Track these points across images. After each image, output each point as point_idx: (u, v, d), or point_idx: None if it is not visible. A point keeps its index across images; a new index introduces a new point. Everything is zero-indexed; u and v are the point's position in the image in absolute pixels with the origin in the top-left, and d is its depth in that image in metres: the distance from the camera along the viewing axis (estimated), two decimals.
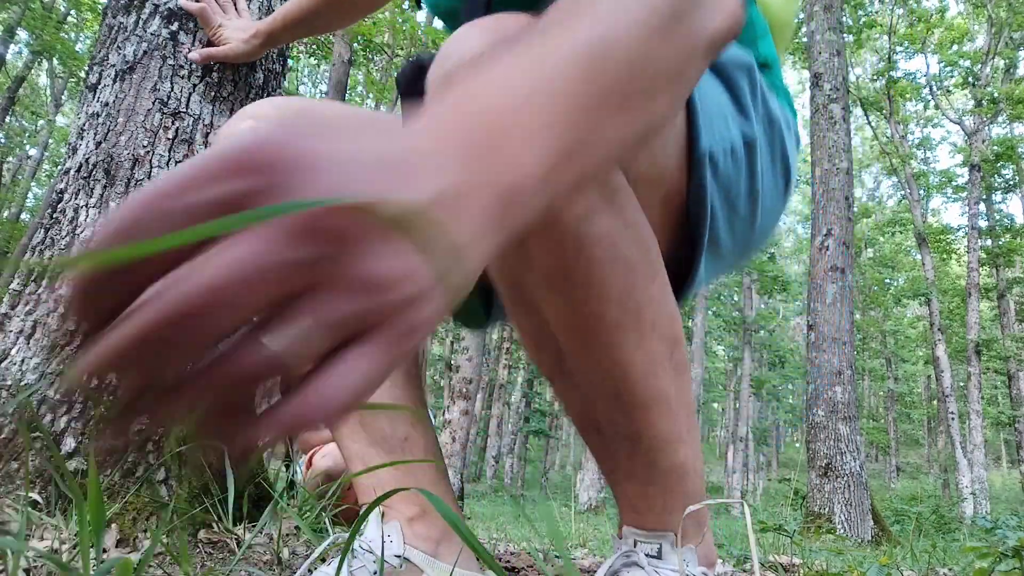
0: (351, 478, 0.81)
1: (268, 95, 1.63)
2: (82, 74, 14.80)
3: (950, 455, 16.97)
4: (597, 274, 0.59)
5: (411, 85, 0.79)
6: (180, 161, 1.42)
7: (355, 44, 11.28)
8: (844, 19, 7.64)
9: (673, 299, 0.67)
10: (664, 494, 0.70)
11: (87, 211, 1.35)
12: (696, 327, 16.56)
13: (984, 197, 18.21)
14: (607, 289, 0.60)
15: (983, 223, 18.17)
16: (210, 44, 1.49)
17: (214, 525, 1.16)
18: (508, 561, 1.44)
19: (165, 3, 1.49)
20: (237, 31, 1.41)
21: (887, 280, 25.83)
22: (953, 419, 15.54)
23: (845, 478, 5.37)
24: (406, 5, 12.29)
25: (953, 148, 21.00)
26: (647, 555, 0.69)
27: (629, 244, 0.61)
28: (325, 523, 1.25)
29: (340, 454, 1.89)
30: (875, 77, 19.49)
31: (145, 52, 1.45)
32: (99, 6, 13.03)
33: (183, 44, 1.48)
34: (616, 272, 0.60)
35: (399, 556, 0.77)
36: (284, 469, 1.75)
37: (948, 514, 8.39)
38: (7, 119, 15.69)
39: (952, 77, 18.09)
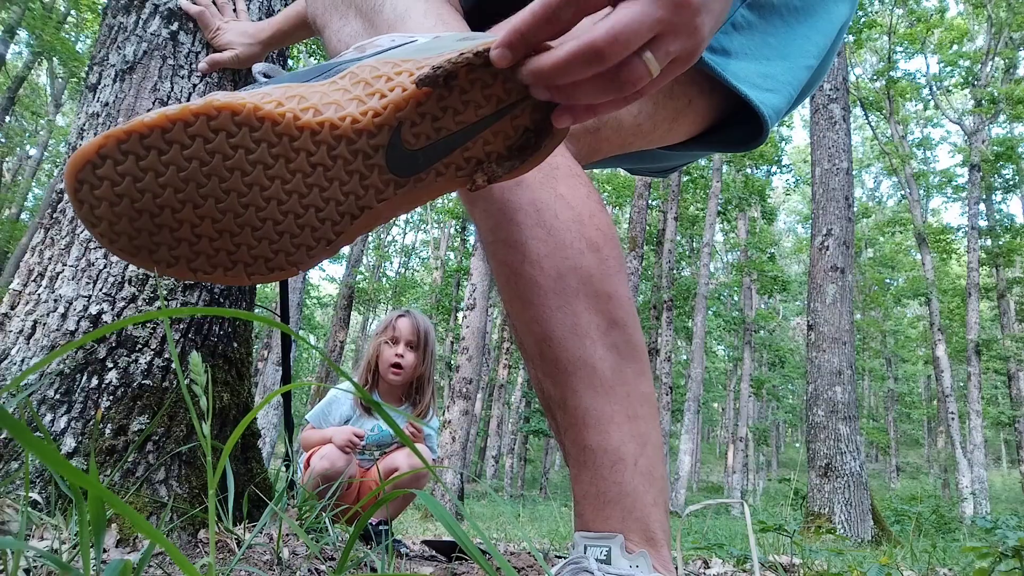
0: None
1: None
2: (82, 74, 14.80)
3: (950, 455, 16.96)
4: (517, 236, 0.68)
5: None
6: None
7: None
8: None
9: (616, 281, 0.70)
10: (596, 481, 0.68)
11: None
12: (696, 327, 16.58)
13: (984, 197, 18.21)
14: (529, 252, 0.68)
15: (983, 223, 18.17)
16: (209, 47, 1.49)
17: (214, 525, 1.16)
18: (508, 561, 1.45)
19: (165, 3, 1.49)
20: (238, 35, 1.40)
21: (887, 280, 25.83)
22: (953, 419, 15.54)
23: (845, 478, 5.37)
24: None
25: (953, 148, 21.00)
26: (597, 559, 0.66)
27: (555, 215, 0.68)
28: (325, 523, 1.25)
29: (336, 456, 1.90)
30: (875, 77, 19.49)
31: (145, 52, 1.45)
32: (99, 6, 13.04)
33: (183, 44, 1.48)
34: (537, 237, 0.67)
35: None
36: (284, 469, 1.75)
37: (948, 514, 8.39)
38: (7, 119, 15.68)
39: (952, 77, 18.09)
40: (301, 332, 26.12)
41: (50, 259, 1.33)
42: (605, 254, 0.71)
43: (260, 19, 1.60)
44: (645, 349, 0.74)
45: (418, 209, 30.08)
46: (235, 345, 1.49)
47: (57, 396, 1.19)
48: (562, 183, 0.70)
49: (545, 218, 0.68)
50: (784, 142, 25.41)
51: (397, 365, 2.09)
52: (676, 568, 0.63)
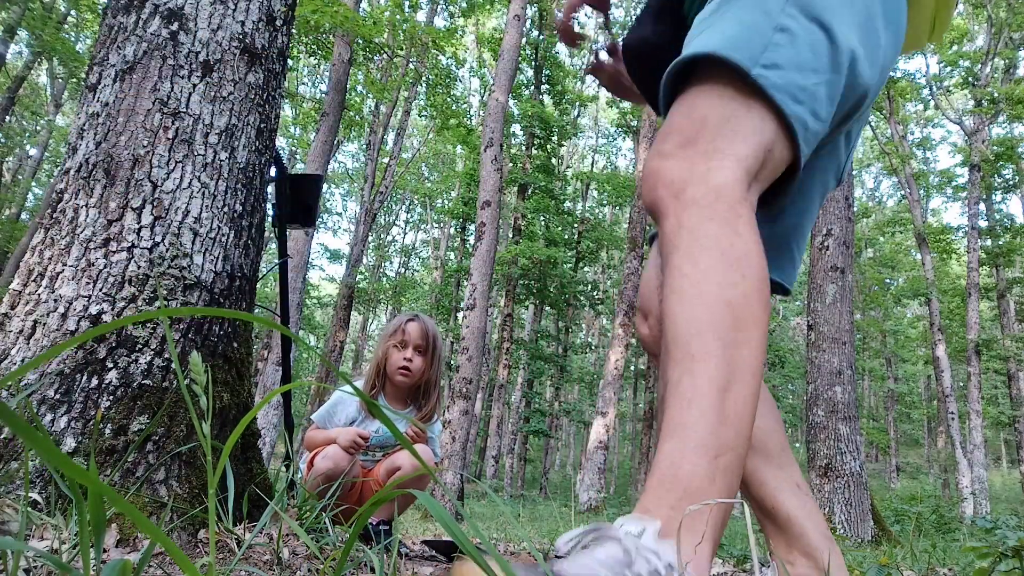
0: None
1: (268, 95, 1.63)
2: (82, 74, 14.78)
3: (950, 455, 16.96)
4: (675, 258, 0.76)
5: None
6: (180, 161, 1.42)
7: (355, 44, 11.27)
8: None
9: (743, 291, 0.74)
10: (660, 460, 0.69)
11: (87, 211, 1.35)
12: None
13: (984, 197, 18.20)
14: (683, 267, 0.75)
15: (983, 223, 18.16)
16: (208, 48, 1.49)
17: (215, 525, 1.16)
18: (508, 561, 1.44)
19: (165, 3, 1.49)
20: None
21: (887, 280, 25.83)
22: (953, 419, 15.53)
23: (845, 478, 5.37)
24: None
25: (953, 148, 20.98)
26: (628, 532, 0.63)
27: (703, 249, 0.75)
28: (325, 523, 1.25)
29: (340, 456, 1.89)
30: None
31: (145, 52, 1.45)
32: (99, 6, 13.03)
33: (183, 44, 1.48)
34: (688, 261, 0.75)
35: None
36: (284, 469, 1.75)
37: (948, 514, 8.39)
38: (7, 119, 15.68)
39: (952, 77, 18.08)
40: (301, 332, 26.10)
41: (50, 259, 1.33)
42: (746, 270, 0.78)
43: (260, 19, 1.60)
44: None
45: (418, 209, 29.80)
46: (235, 345, 1.49)
47: (57, 396, 1.19)
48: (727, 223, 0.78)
49: (695, 252, 0.78)
50: None
51: (405, 369, 2.09)
52: (679, 568, 0.63)
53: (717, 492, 0.67)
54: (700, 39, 0.85)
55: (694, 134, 0.80)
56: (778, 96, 0.80)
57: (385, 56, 14.32)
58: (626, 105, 19.59)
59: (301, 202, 1.83)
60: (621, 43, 1.20)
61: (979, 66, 17.08)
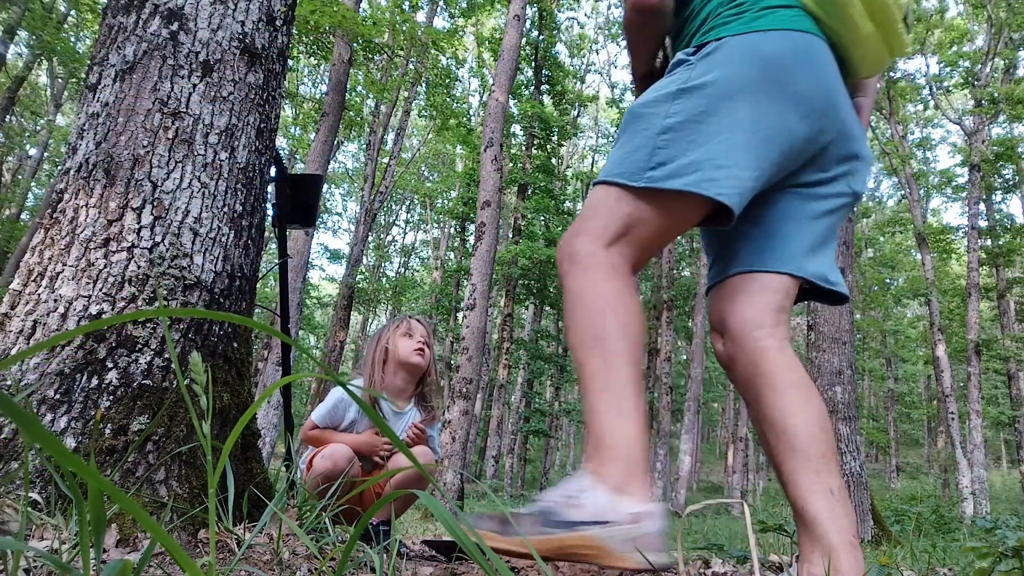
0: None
1: (268, 95, 1.63)
2: (82, 74, 14.78)
3: (950, 455, 16.96)
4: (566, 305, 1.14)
5: None
6: (180, 161, 1.42)
7: (355, 44, 11.28)
8: None
9: (602, 319, 1.09)
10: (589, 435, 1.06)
11: (87, 211, 1.35)
12: (696, 327, 16.57)
13: (984, 197, 18.20)
14: (572, 317, 1.12)
15: (983, 223, 18.16)
16: (207, 48, 1.49)
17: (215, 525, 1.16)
18: (508, 561, 1.44)
19: (165, 3, 1.49)
20: None
21: (887, 280, 25.82)
22: (953, 419, 15.53)
23: (845, 478, 5.37)
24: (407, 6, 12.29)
25: (953, 148, 20.98)
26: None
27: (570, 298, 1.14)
28: (325, 523, 1.25)
29: (339, 455, 1.89)
30: None
31: (145, 52, 1.45)
32: (99, 6, 13.02)
33: (183, 44, 1.48)
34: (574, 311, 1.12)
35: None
36: (284, 469, 1.74)
37: (948, 514, 8.39)
38: (7, 119, 15.67)
39: (952, 77, 18.08)
40: (301, 332, 26.06)
41: (50, 259, 1.33)
42: (611, 310, 1.15)
43: (260, 19, 1.60)
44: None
45: (418, 209, 29.79)
46: (235, 345, 1.49)
47: (57, 396, 1.19)
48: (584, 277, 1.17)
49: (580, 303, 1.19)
50: None
51: (420, 350, 2.10)
52: (676, 568, 0.63)
53: (623, 448, 1.02)
54: (606, 163, 1.20)
55: (579, 218, 1.20)
56: (665, 184, 1.10)
57: (385, 56, 14.32)
58: (627, 105, 19.59)
59: (301, 202, 1.83)
60: None
61: (979, 66, 17.08)
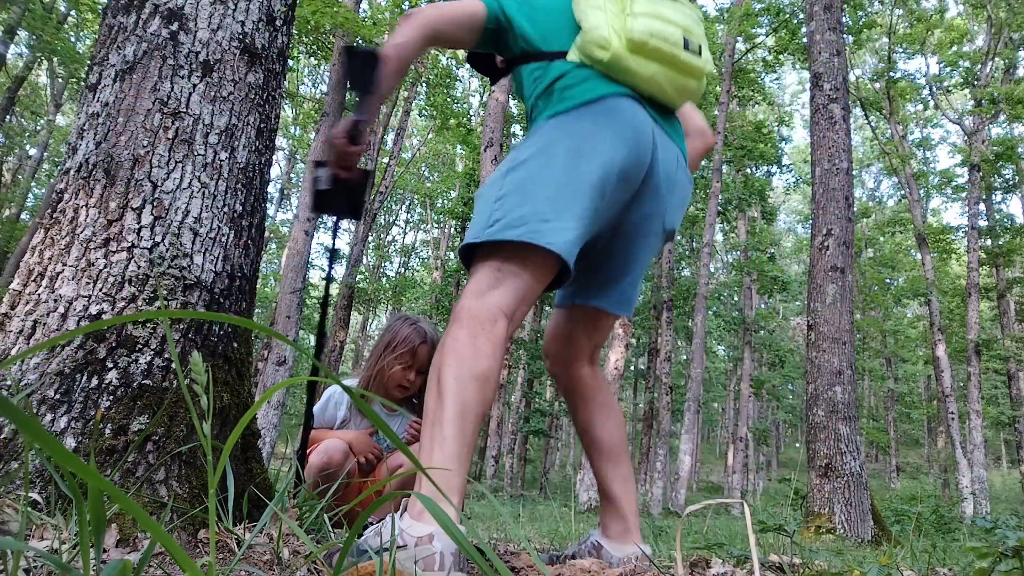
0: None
1: (268, 95, 1.63)
2: (82, 74, 14.78)
3: (950, 455, 16.96)
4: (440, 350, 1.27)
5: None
6: (180, 161, 1.42)
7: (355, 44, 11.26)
8: (844, 19, 7.64)
9: (455, 370, 1.23)
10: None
11: (87, 211, 1.35)
12: (696, 327, 16.57)
13: (984, 197, 18.20)
14: (440, 361, 1.25)
15: (983, 223, 18.16)
16: (208, 47, 1.49)
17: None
18: (508, 561, 1.44)
19: (165, 3, 1.49)
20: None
21: (887, 280, 25.82)
22: (953, 419, 15.53)
23: (845, 478, 5.37)
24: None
25: (953, 148, 20.97)
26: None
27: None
28: (325, 523, 1.25)
29: (334, 449, 1.90)
30: (875, 78, 19.49)
31: (145, 52, 1.45)
32: (99, 6, 13.03)
33: (183, 44, 1.48)
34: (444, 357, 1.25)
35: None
36: (295, 464, 1.74)
37: (948, 514, 8.38)
38: (7, 119, 15.67)
39: (952, 77, 18.07)
40: (301, 332, 26.02)
41: (50, 259, 1.33)
42: (457, 365, 1.26)
43: (260, 19, 1.60)
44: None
45: (418, 209, 29.74)
46: (235, 345, 1.49)
47: (57, 396, 1.19)
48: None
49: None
50: (784, 142, 25.40)
51: (405, 388, 2.08)
52: (676, 568, 0.63)
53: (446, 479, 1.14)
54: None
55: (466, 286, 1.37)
56: (500, 235, 1.29)
57: None
58: None
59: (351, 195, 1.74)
60: None
61: (979, 66, 17.08)
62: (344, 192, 1.62)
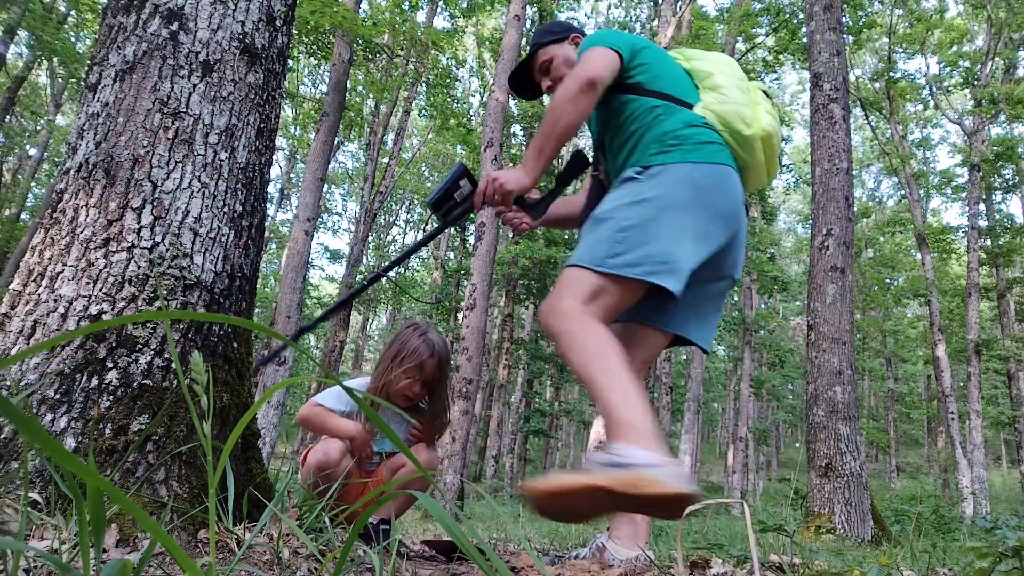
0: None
1: (268, 95, 1.63)
2: (82, 74, 14.77)
3: (950, 455, 16.95)
4: (562, 346, 1.46)
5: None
6: (180, 161, 1.42)
7: (355, 44, 11.27)
8: (844, 19, 7.64)
9: (589, 357, 1.41)
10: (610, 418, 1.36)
11: (87, 211, 1.35)
12: None
13: (984, 197, 18.20)
14: (570, 352, 1.44)
15: (983, 223, 18.16)
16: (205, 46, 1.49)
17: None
18: (508, 561, 1.44)
19: (165, 3, 1.49)
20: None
21: (887, 280, 25.81)
22: (953, 419, 15.53)
23: (845, 478, 5.37)
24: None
25: (953, 148, 20.96)
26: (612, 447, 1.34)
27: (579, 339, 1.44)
28: (325, 523, 1.25)
29: (331, 448, 1.90)
30: (875, 77, 19.48)
31: (145, 52, 1.45)
32: (99, 6, 13.02)
33: (183, 44, 1.47)
34: (570, 347, 1.44)
35: None
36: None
37: (948, 514, 8.38)
38: (7, 119, 15.67)
39: (952, 78, 18.07)
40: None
41: (50, 259, 1.33)
42: (593, 347, 1.47)
43: (260, 19, 1.60)
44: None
45: (418, 209, 29.69)
46: (235, 345, 1.49)
47: (57, 396, 1.19)
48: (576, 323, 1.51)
49: (576, 341, 1.50)
50: (784, 142, 25.38)
51: (408, 397, 2.07)
52: (677, 568, 0.63)
53: (641, 424, 1.31)
54: (576, 251, 1.57)
55: (553, 292, 1.53)
56: (622, 272, 1.48)
57: (385, 56, 14.31)
58: None
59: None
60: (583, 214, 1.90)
61: (979, 66, 17.07)
62: (464, 209, 1.79)
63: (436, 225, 1.86)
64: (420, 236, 33.16)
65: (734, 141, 1.66)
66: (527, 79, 2.01)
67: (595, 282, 1.48)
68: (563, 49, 1.94)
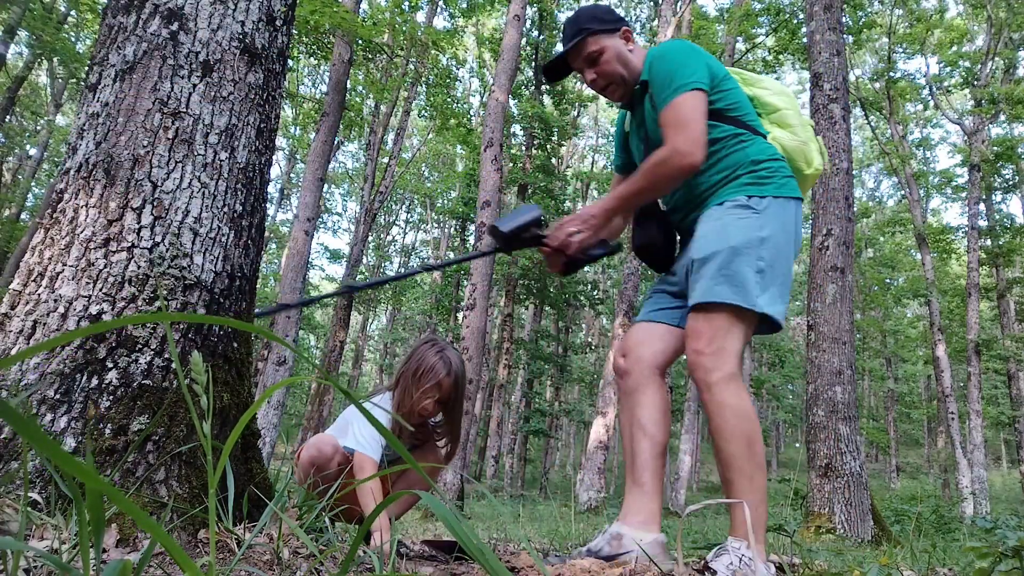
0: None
1: (268, 95, 1.63)
2: (82, 74, 14.77)
3: (950, 455, 16.95)
4: (717, 422, 1.63)
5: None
6: (180, 161, 1.42)
7: (355, 44, 11.27)
8: (844, 19, 7.64)
9: (745, 428, 1.62)
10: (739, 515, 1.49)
11: (87, 211, 1.34)
12: None
13: (984, 197, 18.20)
14: (723, 429, 1.62)
15: (983, 223, 18.16)
16: (206, 47, 1.48)
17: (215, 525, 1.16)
18: (508, 561, 1.44)
19: (165, 3, 1.49)
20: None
21: (887, 280, 25.81)
22: (953, 419, 15.53)
23: (845, 478, 5.37)
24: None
25: (953, 148, 20.96)
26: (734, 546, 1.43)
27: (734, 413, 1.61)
28: (325, 522, 1.25)
29: (324, 443, 1.90)
30: (875, 77, 19.48)
31: (145, 52, 1.45)
32: (99, 6, 13.02)
33: (183, 44, 1.47)
34: (727, 420, 1.62)
35: None
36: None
37: (948, 514, 8.38)
38: (7, 119, 15.67)
39: (952, 78, 18.06)
40: (301, 332, 26.03)
41: (50, 259, 1.33)
42: (743, 421, 1.68)
43: (260, 19, 1.60)
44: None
45: (418, 209, 29.67)
46: (235, 345, 1.49)
47: (57, 396, 1.19)
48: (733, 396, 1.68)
49: (733, 414, 1.68)
50: None
51: (422, 417, 2.06)
52: (677, 568, 0.63)
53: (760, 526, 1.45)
54: (716, 288, 1.65)
55: (711, 337, 1.63)
56: (768, 310, 1.64)
57: (385, 56, 14.31)
58: None
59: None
60: (635, 244, 1.99)
61: (979, 66, 17.07)
62: (524, 245, 1.91)
63: (490, 247, 1.99)
64: (419, 235, 33.20)
65: (805, 164, 1.84)
66: (560, 60, 1.91)
67: (744, 325, 1.64)
68: (614, 42, 1.84)
